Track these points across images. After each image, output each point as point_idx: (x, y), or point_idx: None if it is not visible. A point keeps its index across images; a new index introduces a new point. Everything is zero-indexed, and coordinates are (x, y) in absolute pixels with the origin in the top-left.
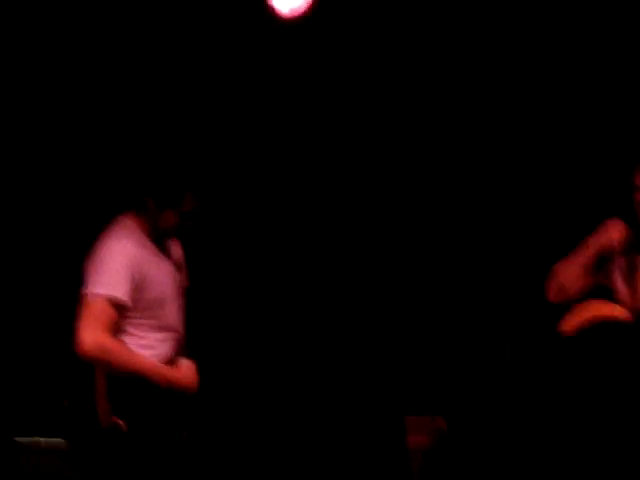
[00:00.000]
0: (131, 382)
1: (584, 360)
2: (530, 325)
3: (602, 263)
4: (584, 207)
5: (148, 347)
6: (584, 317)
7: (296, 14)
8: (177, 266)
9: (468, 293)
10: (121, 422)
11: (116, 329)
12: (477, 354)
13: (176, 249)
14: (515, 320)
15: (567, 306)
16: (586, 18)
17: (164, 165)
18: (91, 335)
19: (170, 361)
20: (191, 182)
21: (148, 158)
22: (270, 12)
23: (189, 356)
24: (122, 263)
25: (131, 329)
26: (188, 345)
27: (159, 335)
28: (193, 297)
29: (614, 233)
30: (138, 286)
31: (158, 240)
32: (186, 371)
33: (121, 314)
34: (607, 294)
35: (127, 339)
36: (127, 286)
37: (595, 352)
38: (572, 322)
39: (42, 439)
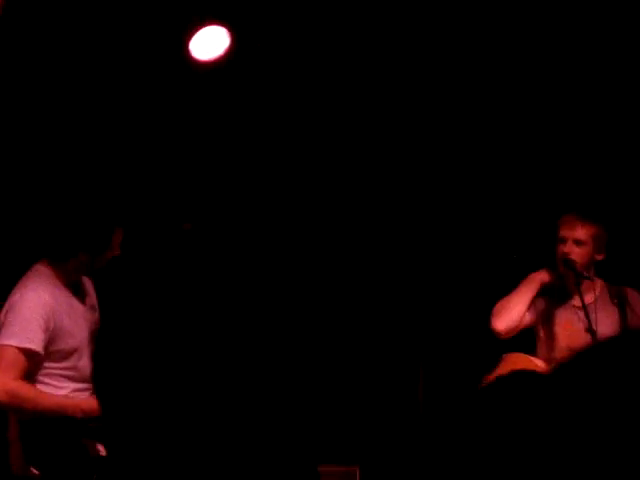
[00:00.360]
0: (43, 428)
1: (495, 409)
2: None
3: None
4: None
5: (66, 398)
6: (507, 368)
7: (213, 60)
8: (91, 308)
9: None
10: (35, 471)
11: (32, 380)
12: (392, 402)
13: (89, 288)
14: (430, 364)
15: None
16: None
17: (91, 217)
18: (0, 382)
19: None
20: (117, 220)
21: (70, 211)
22: (188, 58)
23: None
24: (37, 313)
25: (48, 379)
26: None
27: (78, 385)
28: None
29: (547, 276)
30: (53, 336)
31: (74, 283)
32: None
33: (36, 365)
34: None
35: (45, 389)
36: (41, 336)
37: (504, 401)
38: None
39: None
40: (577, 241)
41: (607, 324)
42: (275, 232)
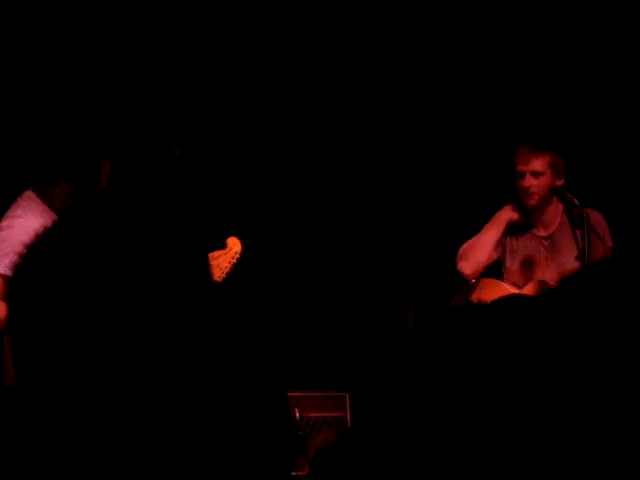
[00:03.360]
0: None
1: (492, 332)
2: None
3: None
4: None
5: None
6: (495, 294)
7: None
8: None
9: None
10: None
11: None
12: (382, 327)
13: None
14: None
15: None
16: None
17: (77, 150)
18: None
19: None
20: (104, 152)
21: (72, 139)
22: None
23: None
24: (24, 241)
25: None
26: None
27: None
28: None
29: (513, 214)
30: None
31: (62, 212)
32: None
33: None
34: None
35: None
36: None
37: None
38: (483, 296)
39: None
40: (535, 173)
41: (569, 252)
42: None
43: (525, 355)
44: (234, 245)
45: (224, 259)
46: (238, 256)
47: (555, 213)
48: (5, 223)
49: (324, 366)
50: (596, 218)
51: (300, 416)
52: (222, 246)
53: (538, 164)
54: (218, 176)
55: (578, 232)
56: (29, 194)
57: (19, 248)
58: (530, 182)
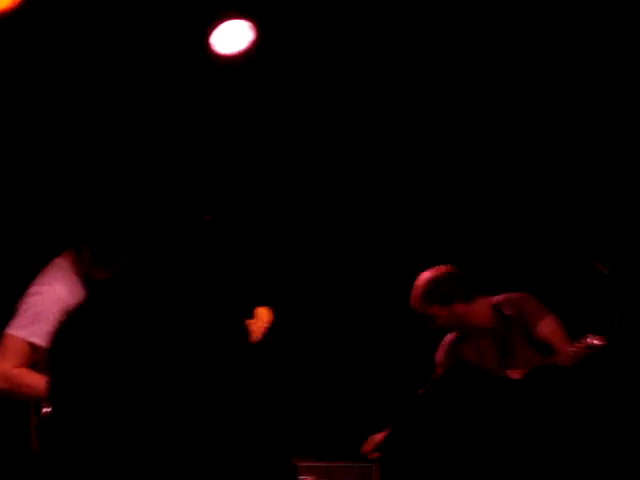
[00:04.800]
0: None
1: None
2: None
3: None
4: None
5: None
6: None
7: (236, 53)
8: None
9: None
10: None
11: (40, 369)
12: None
13: None
14: None
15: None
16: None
17: (110, 223)
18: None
19: None
20: (130, 247)
21: (98, 210)
22: (210, 52)
23: None
24: (51, 309)
25: None
26: None
27: None
28: None
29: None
30: None
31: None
32: None
33: (43, 356)
34: None
35: None
36: (50, 332)
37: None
38: None
39: None
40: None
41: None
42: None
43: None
44: (263, 315)
45: (253, 329)
46: (267, 325)
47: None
48: (34, 289)
49: (352, 437)
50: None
51: None
52: (250, 316)
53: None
54: (245, 243)
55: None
56: (58, 261)
57: (47, 315)
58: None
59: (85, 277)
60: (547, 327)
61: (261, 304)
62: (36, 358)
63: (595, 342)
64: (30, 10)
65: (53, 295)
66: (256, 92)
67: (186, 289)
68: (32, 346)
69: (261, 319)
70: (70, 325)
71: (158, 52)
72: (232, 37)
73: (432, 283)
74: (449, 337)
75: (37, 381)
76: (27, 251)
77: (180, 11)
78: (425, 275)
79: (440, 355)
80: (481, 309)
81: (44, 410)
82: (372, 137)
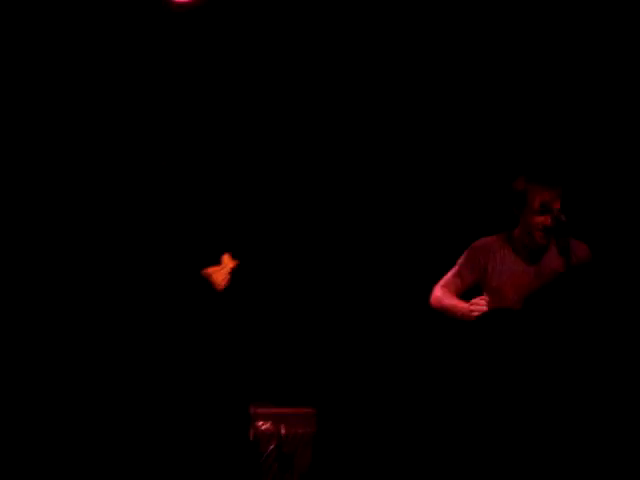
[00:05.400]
0: None
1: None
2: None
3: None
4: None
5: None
6: None
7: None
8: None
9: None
10: None
11: None
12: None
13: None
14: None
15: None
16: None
17: None
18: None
19: None
20: None
21: None
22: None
23: None
24: None
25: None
26: None
27: None
28: None
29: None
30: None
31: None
32: None
33: None
34: None
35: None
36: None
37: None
38: None
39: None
40: (555, 211)
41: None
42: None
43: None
44: (228, 261)
45: (219, 274)
46: (231, 271)
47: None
48: None
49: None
50: (582, 249)
51: (286, 433)
52: (217, 262)
53: (557, 202)
54: (211, 188)
55: (562, 260)
56: None
57: None
58: (552, 220)
59: None
60: None
61: (226, 250)
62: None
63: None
64: None
65: None
66: (210, 40)
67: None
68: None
69: (227, 265)
70: None
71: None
72: None
73: None
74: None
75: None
76: None
77: None
78: None
79: None
80: None
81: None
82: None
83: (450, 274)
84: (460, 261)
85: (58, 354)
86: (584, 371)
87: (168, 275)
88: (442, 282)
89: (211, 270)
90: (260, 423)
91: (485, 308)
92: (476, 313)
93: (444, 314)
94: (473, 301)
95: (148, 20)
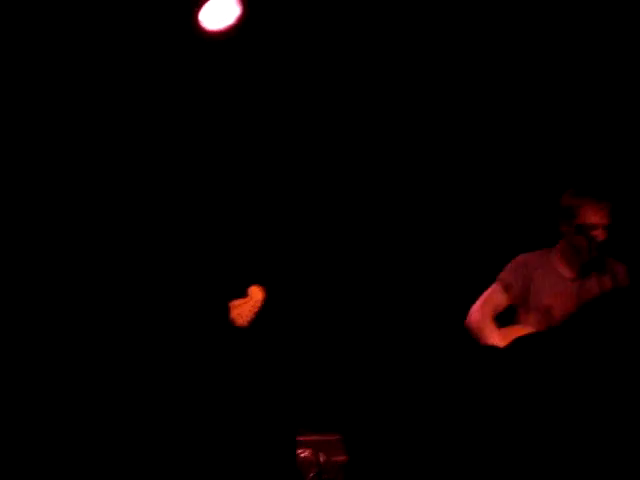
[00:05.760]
0: None
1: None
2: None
3: None
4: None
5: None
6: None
7: (224, 29)
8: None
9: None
10: None
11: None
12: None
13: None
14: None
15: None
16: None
17: None
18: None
19: None
20: None
21: None
22: (198, 27)
23: None
24: None
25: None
26: None
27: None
28: None
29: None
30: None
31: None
32: None
33: None
34: None
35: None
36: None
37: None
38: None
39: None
40: (606, 227)
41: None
42: None
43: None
44: (255, 294)
45: (245, 307)
46: (260, 304)
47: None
48: None
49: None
50: (619, 269)
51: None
52: (243, 294)
53: (608, 217)
54: (240, 224)
55: (603, 278)
56: None
57: None
58: (603, 236)
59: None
60: None
61: (254, 282)
62: None
63: None
64: None
65: None
66: (244, 67)
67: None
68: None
69: (253, 297)
70: None
71: (148, 30)
72: (220, 13)
73: None
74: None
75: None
76: None
77: None
78: None
79: None
80: None
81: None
82: (353, 115)
83: (490, 291)
84: (503, 277)
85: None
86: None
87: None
88: (482, 301)
89: (237, 302)
90: (300, 451)
91: None
92: None
93: (476, 337)
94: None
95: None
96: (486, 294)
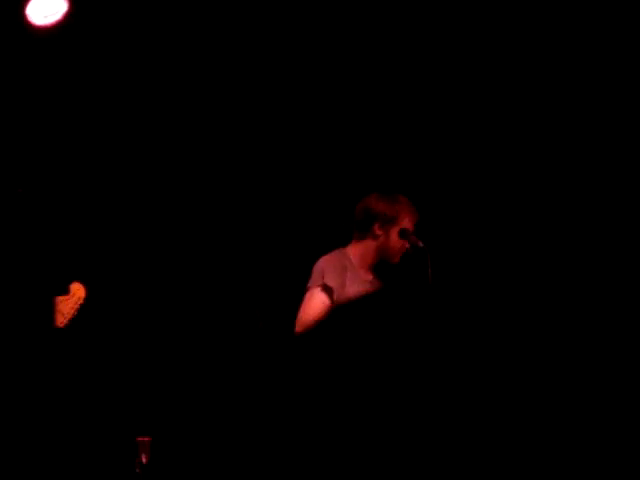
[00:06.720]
0: None
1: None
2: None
3: None
4: None
5: None
6: None
7: (51, 23)
8: None
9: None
10: None
11: None
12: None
13: None
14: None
15: None
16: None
17: None
18: None
19: None
20: None
21: None
22: (25, 21)
23: None
24: None
25: None
26: None
27: None
28: None
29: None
30: None
31: None
32: None
33: None
34: None
35: None
36: None
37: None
38: None
39: None
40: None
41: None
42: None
43: None
44: (77, 290)
45: (67, 304)
46: (82, 301)
47: None
48: None
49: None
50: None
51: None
52: (65, 292)
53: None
54: (60, 218)
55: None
56: None
57: None
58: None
59: None
60: None
61: (75, 279)
62: None
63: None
64: None
65: None
66: (72, 63)
67: None
68: None
69: (75, 294)
70: None
71: None
72: (47, 9)
73: None
74: None
75: None
76: None
77: None
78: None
79: None
80: None
81: None
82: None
83: (312, 298)
84: (318, 279)
85: None
86: None
87: None
88: (309, 315)
89: (58, 299)
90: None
91: None
92: None
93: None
94: None
95: None
96: (307, 307)
